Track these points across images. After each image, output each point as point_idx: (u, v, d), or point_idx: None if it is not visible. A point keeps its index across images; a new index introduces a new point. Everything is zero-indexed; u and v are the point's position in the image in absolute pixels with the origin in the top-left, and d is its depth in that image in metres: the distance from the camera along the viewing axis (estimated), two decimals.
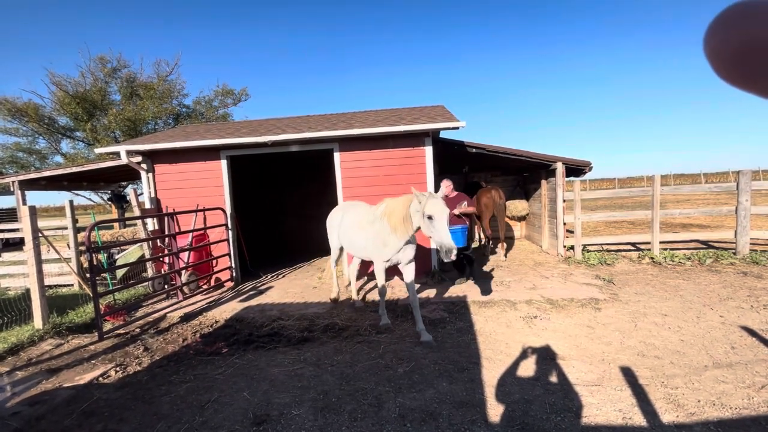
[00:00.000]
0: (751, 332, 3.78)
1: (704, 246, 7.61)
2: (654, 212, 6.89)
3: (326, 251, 9.90)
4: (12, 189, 8.58)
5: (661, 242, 7.03)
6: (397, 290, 5.90)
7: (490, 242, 8.54)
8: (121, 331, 4.81)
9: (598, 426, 2.52)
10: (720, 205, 11.31)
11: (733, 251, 6.69)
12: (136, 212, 6.62)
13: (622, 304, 4.81)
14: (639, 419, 2.57)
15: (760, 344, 3.53)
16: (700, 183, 33.21)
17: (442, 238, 3.50)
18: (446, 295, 5.52)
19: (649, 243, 7.12)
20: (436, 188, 6.75)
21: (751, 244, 6.68)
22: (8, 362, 4.04)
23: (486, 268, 7.05)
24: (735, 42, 0.31)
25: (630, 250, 7.63)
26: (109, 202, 17.96)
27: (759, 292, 4.90)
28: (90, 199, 19.53)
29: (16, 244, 10.63)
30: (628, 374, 3.14)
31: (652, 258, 6.79)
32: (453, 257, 3.46)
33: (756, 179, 6.87)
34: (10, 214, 15.36)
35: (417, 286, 6.03)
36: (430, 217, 3.57)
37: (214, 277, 6.84)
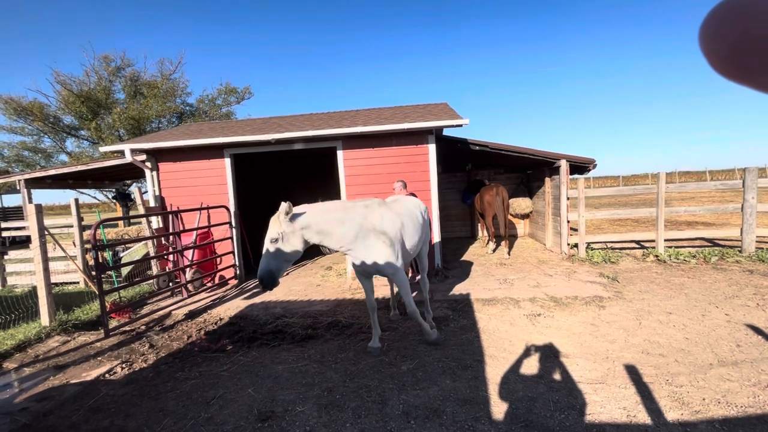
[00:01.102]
0: (757, 330, 3.76)
1: (709, 244, 7.57)
2: (659, 210, 6.85)
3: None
4: (18, 187, 8.67)
5: (665, 240, 6.99)
6: None
7: (494, 240, 8.52)
8: (127, 328, 4.85)
9: (603, 424, 2.51)
10: (726, 203, 11.23)
11: (739, 249, 6.64)
12: (141, 210, 6.66)
13: (626, 302, 4.79)
14: (643, 417, 2.56)
15: (766, 342, 3.51)
16: (706, 180, 32.95)
17: None
18: (450, 293, 5.52)
19: (653, 241, 7.08)
20: (439, 187, 6.75)
21: (757, 242, 6.62)
22: (16, 359, 4.08)
23: (489, 266, 7.04)
24: (730, 36, 0.31)
25: (634, 248, 7.60)
26: (114, 201, 18.08)
27: (765, 290, 4.86)
28: (95, 198, 19.70)
29: (23, 242, 10.73)
30: (633, 372, 3.13)
31: (657, 256, 6.75)
32: (262, 288, 3.15)
33: (762, 176, 6.81)
34: (16, 213, 15.48)
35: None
36: None
37: (218, 274, 6.87)
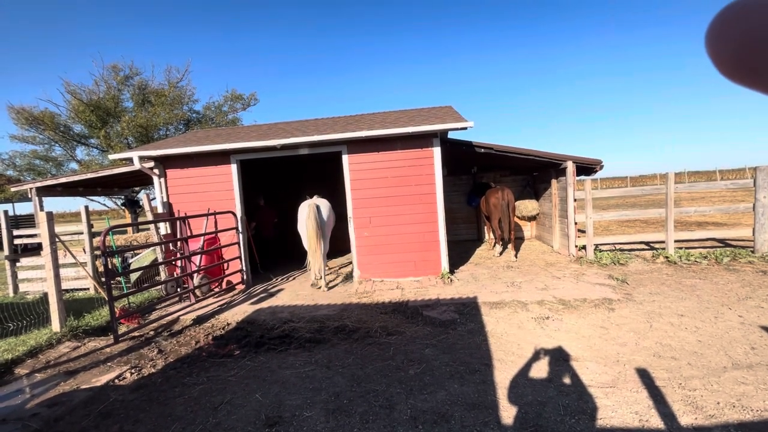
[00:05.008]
0: None
1: (721, 244, 7.44)
2: (668, 210, 6.76)
3: (335, 253, 9.98)
4: (30, 195, 8.81)
5: (676, 241, 6.89)
6: (407, 291, 5.89)
7: (500, 243, 8.46)
8: (136, 333, 4.89)
9: (614, 428, 2.47)
10: (737, 203, 11.05)
11: (752, 249, 6.53)
12: (149, 217, 6.73)
13: (636, 304, 4.73)
14: (656, 422, 2.51)
15: None
16: (716, 180, 32.45)
17: None
18: (457, 296, 5.49)
19: (663, 242, 6.98)
20: (445, 190, 6.73)
21: None
22: (27, 365, 4.13)
23: (496, 269, 7.00)
24: (734, 39, 0.31)
25: (644, 250, 7.50)
26: (123, 207, 18.31)
27: None
28: (104, 205, 19.95)
29: (34, 249, 10.89)
30: (644, 376, 3.08)
31: (667, 257, 6.65)
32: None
33: None
34: (28, 220, 15.75)
35: (427, 288, 6.03)
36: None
37: (225, 280, 6.91)
